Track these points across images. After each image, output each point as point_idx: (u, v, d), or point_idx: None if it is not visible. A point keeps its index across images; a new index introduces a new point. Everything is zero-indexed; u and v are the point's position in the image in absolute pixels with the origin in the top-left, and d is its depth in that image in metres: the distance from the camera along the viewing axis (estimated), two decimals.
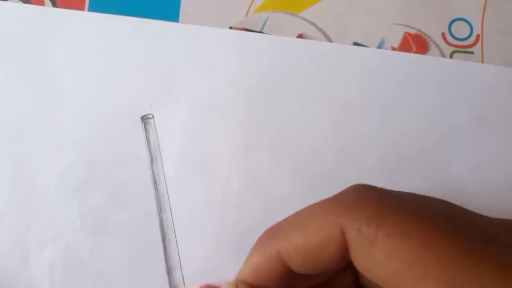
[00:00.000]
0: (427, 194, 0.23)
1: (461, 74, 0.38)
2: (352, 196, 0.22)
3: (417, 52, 0.38)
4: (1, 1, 0.36)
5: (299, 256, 0.23)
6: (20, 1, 0.36)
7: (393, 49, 0.38)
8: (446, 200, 0.23)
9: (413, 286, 0.19)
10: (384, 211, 0.21)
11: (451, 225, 0.20)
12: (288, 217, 0.24)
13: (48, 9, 0.36)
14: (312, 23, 0.39)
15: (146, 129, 0.34)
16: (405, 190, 0.24)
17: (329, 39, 0.38)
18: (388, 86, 0.37)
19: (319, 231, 0.22)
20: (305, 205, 0.33)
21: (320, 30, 0.38)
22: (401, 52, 0.38)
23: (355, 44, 0.38)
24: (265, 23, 0.38)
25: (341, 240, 0.21)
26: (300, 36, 0.38)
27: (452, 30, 0.39)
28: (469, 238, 0.20)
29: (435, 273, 0.19)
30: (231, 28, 0.38)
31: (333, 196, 0.23)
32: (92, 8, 0.37)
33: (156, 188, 0.34)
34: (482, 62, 0.38)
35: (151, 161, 0.34)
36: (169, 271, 0.33)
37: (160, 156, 0.34)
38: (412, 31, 0.39)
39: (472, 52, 0.39)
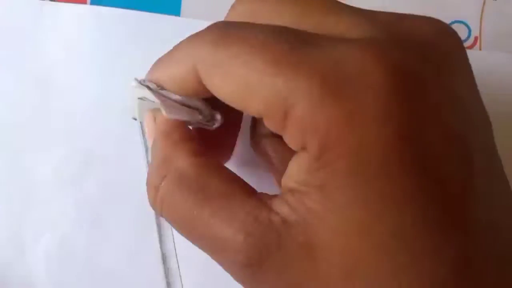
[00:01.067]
0: None
1: None
2: (205, 31, 0.23)
3: None
4: None
5: (171, 85, 0.24)
6: None
7: None
8: None
9: (248, 104, 0.20)
10: (226, 35, 0.21)
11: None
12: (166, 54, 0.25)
13: (45, 2, 0.37)
14: None
15: (141, 121, 0.34)
16: None
17: None
18: None
19: (179, 65, 0.23)
20: None
21: None
22: None
23: None
24: None
25: (194, 72, 0.22)
26: None
27: None
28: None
29: (260, 94, 0.20)
30: None
31: None
32: (94, 2, 0.37)
33: None
34: None
35: (146, 152, 0.34)
36: (164, 261, 0.33)
37: None
38: None
39: None
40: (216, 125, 0.26)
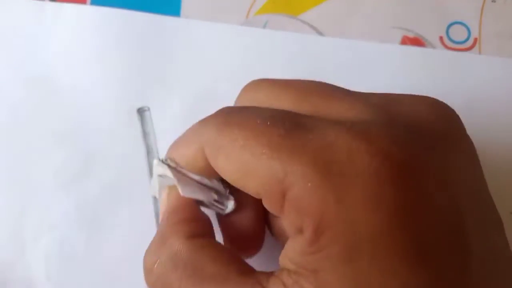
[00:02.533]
0: None
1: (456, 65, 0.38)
2: (213, 117, 0.24)
3: None
4: None
5: (186, 165, 0.25)
6: None
7: None
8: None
9: (246, 183, 0.21)
10: (228, 120, 0.22)
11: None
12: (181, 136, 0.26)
13: (45, 3, 0.37)
14: (311, 26, 0.39)
15: (142, 122, 0.34)
16: None
17: None
18: (383, 78, 0.37)
19: (190, 147, 0.24)
20: None
21: (319, 33, 0.39)
22: (394, 45, 0.39)
23: None
24: (265, 25, 0.39)
25: (202, 154, 0.23)
26: None
27: (450, 33, 0.39)
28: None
29: (258, 175, 0.20)
30: None
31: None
32: (94, 2, 0.37)
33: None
34: None
35: (147, 153, 0.34)
36: None
37: (157, 148, 0.34)
38: (410, 35, 0.39)
39: None
40: (228, 210, 0.26)
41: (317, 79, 0.36)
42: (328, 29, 0.39)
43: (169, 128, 0.35)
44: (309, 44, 0.38)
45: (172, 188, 0.26)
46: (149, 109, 0.35)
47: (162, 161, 0.26)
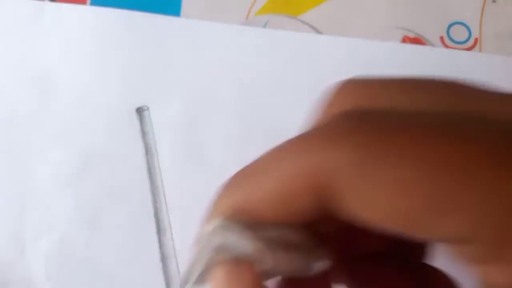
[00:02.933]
0: None
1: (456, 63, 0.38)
2: (335, 126, 0.16)
3: None
4: None
5: (267, 208, 0.17)
6: None
7: None
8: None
9: (434, 224, 0.14)
10: (381, 133, 0.15)
11: (473, 132, 0.15)
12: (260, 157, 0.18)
13: (45, 3, 0.37)
14: (311, 26, 0.39)
15: (141, 121, 0.34)
16: None
17: None
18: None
19: (286, 176, 0.16)
20: None
21: (319, 33, 0.39)
22: (395, 43, 0.39)
23: None
24: (265, 25, 0.39)
25: (316, 187, 0.16)
26: None
27: (451, 33, 0.39)
28: (496, 143, 0.15)
29: (466, 205, 0.14)
30: None
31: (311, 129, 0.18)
32: (94, 2, 0.38)
33: (151, 180, 0.34)
34: None
35: (146, 153, 0.34)
36: (164, 261, 0.33)
37: (155, 147, 0.34)
38: (411, 35, 0.39)
39: None
40: (318, 268, 0.18)
41: (318, 77, 0.36)
42: (328, 29, 0.39)
43: (168, 127, 0.35)
44: (309, 43, 0.38)
45: (233, 265, 0.17)
46: (148, 108, 0.35)
47: (228, 220, 0.17)
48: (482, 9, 0.40)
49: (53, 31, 0.36)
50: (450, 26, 0.40)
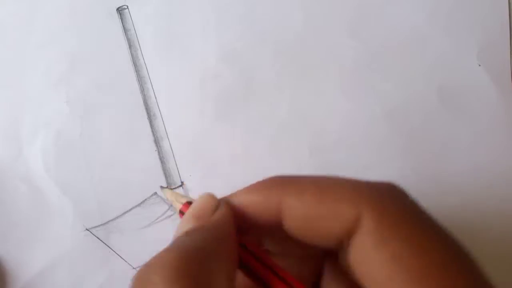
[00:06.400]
0: None
1: None
2: (387, 192, 0.22)
3: None
4: None
5: (301, 219, 0.22)
6: None
7: None
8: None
9: None
10: (411, 219, 0.21)
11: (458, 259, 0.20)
12: (309, 176, 0.23)
13: None
14: None
15: (122, 19, 0.36)
16: None
17: None
18: None
19: (336, 203, 0.21)
20: (278, 70, 0.36)
21: None
22: None
23: None
24: None
25: (352, 224, 0.21)
26: None
27: None
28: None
29: None
30: None
31: (366, 181, 0.23)
32: None
33: (137, 71, 0.36)
34: None
35: (130, 47, 0.36)
36: (157, 143, 0.35)
37: (138, 42, 0.36)
38: None
39: None
40: None
41: None
42: None
43: (148, 22, 0.37)
44: None
45: None
46: (127, 7, 0.36)
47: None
48: None
49: None
50: None
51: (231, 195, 0.24)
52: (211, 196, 0.24)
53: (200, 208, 0.23)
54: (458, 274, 0.19)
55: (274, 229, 0.23)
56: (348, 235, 0.21)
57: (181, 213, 0.25)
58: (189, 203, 0.25)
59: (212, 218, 0.23)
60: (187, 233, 0.22)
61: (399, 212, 0.21)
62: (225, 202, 0.23)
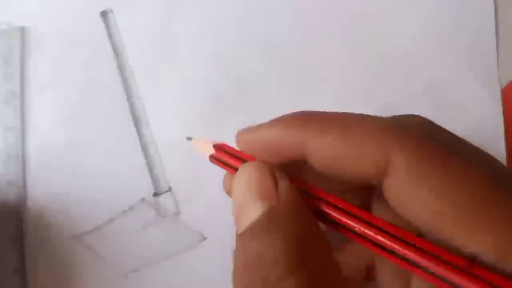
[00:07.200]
0: None
1: None
2: (416, 127, 0.21)
3: None
4: None
5: (326, 160, 0.21)
6: None
7: None
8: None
9: (460, 232, 0.19)
10: (447, 155, 0.20)
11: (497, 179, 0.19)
12: (333, 114, 0.22)
13: None
14: None
15: (106, 24, 0.36)
16: None
17: None
18: None
19: (363, 144, 0.20)
20: (271, 78, 0.36)
21: None
22: None
23: None
24: None
25: (382, 165, 0.20)
26: None
27: None
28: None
29: (487, 229, 0.18)
30: None
31: (393, 117, 0.22)
32: None
33: (123, 77, 0.35)
34: None
35: (114, 52, 0.35)
36: (144, 149, 0.35)
37: (124, 47, 0.36)
38: None
39: None
40: None
41: None
42: None
43: (134, 27, 0.36)
44: None
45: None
46: (112, 11, 0.36)
47: None
48: None
49: None
50: None
51: (252, 129, 0.23)
52: (261, 165, 0.22)
53: (259, 183, 0.22)
54: (505, 201, 0.18)
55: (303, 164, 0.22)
56: (380, 176, 0.20)
57: (212, 158, 0.24)
58: (217, 148, 0.24)
59: (282, 196, 0.21)
60: (270, 223, 0.20)
61: (430, 146, 0.20)
62: (281, 171, 0.22)
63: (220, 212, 0.34)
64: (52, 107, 0.36)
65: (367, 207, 0.25)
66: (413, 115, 0.22)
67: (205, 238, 0.34)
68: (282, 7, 0.37)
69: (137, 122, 0.35)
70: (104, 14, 0.36)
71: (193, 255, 0.34)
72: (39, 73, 0.36)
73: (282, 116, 0.23)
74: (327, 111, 0.22)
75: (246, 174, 0.22)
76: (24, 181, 0.35)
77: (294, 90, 0.36)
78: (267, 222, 0.20)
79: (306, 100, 0.36)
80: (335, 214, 0.21)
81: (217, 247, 0.34)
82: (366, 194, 0.25)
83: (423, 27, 0.37)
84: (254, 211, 0.21)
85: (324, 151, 0.21)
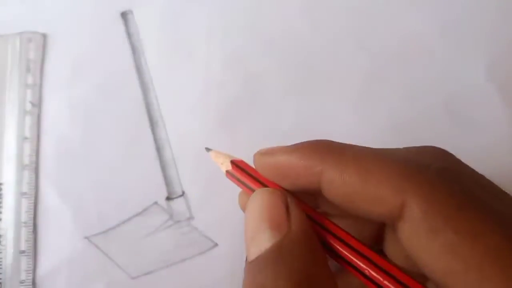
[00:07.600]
0: None
1: None
2: (434, 165, 0.21)
3: None
4: None
5: (341, 195, 0.22)
6: None
7: None
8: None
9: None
10: (461, 205, 0.19)
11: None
12: (352, 148, 0.22)
13: None
14: None
15: (126, 24, 0.36)
16: None
17: None
18: None
19: (379, 186, 0.20)
20: (284, 79, 0.35)
21: None
22: None
23: None
24: None
25: (397, 209, 0.20)
26: None
27: None
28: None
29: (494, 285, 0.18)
30: None
31: (409, 151, 0.22)
32: None
33: (140, 77, 0.35)
34: None
35: (133, 53, 0.35)
36: (159, 151, 0.35)
37: (142, 47, 0.36)
38: None
39: None
40: None
41: None
42: None
43: (152, 27, 0.36)
44: None
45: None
46: (132, 12, 0.36)
47: None
48: None
49: None
50: None
51: (270, 152, 0.23)
52: (275, 193, 0.23)
53: (271, 212, 0.22)
54: None
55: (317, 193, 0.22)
56: (393, 219, 0.20)
57: (228, 173, 0.25)
58: (234, 164, 0.25)
59: (294, 227, 0.21)
60: (278, 251, 0.21)
61: (447, 197, 0.19)
62: (293, 200, 0.22)
63: (232, 219, 0.33)
64: (68, 108, 0.35)
65: (380, 237, 0.25)
66: (431, 147, 0.22)
67: (216, 245, 0.34)
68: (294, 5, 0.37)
69: (153, 124, 0.35)
70: (124, 15, 0.36)
71: (203, 261, 0.34)
72: (57, 72, 0.36)
73: (300, 143, 0.23)
74: (345, 142, 0.22)
75: (260, 200, 0.23)
76: (37, 180, 0.35)
77: (305, 90, 0.36)
78: (275, 254, 0.20)
79: (316, 101, 0.36)
80: (346, 252, 0.22)
81: (228, 254, 0.34)
82: (380, 224, 0.25)
83: (442, 35, 0.36)
84: (265, 240, 0.21)
85: (339, 186, 0.21)
